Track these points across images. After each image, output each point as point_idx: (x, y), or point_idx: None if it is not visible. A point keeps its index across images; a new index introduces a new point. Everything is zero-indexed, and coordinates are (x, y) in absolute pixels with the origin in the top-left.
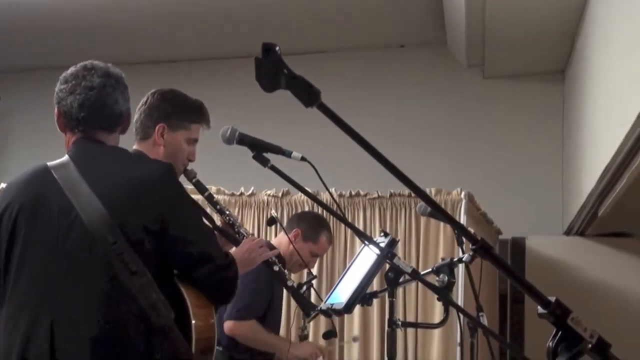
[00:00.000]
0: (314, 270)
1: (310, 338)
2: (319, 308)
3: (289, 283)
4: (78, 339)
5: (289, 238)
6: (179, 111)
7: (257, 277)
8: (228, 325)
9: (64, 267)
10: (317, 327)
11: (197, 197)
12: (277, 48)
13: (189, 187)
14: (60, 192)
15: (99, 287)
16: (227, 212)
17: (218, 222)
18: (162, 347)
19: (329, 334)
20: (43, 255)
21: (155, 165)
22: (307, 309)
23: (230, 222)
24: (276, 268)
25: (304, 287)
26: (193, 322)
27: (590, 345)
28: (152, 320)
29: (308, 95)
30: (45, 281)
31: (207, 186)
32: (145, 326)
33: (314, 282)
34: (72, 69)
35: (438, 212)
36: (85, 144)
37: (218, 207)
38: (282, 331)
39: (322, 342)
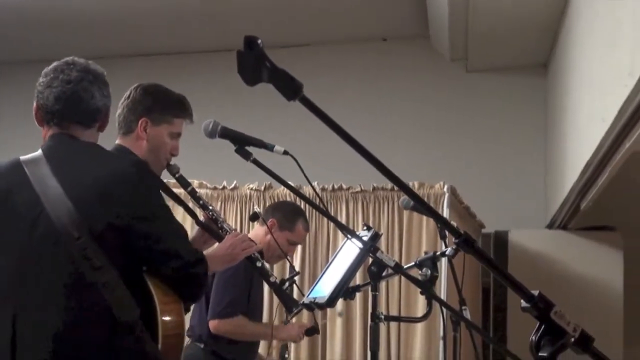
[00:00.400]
0: (297, 266)
1: None
2: (301, 303)
3: (272, 279)
4: (40, 335)
5: (268, 228)
6: (162, 105)
7: (235, 273)
8: (213, 324)
9: (29, 261)
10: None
11: (180, 191)
12: (260, 41)
13: (171, 181)
14: (29, 187)
15: (62, 282)
16: (210, 207)
17: (201, 217)
18: (127, 343)
19: (312, 331)
20: (9, 249)
21: (126, 162)
22: (290, 305)
23: (214, 217)
24: (259, 264)
25: (287, 284)
26: (160, 318)
27: (573, 339)
28: (117, 316)
29: (290, 88)
30: (10, 275)
31: (190, 180)
32: (110, 322)
33: (297, 278)
34: (54, 64)
35: (421, 205)
36: (60, 138)
37: (201, 202)
38: None
39: (304, 339)
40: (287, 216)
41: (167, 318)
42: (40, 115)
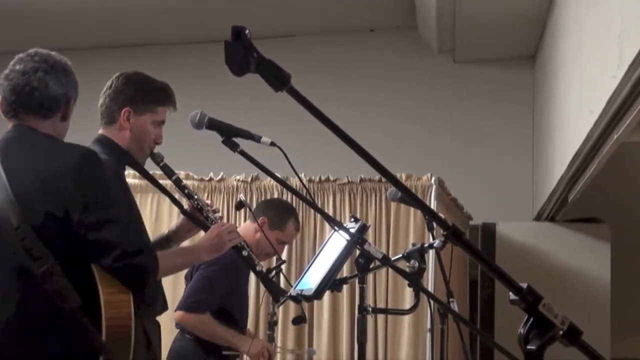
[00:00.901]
0: (283, 255)
1: (280, 324)
2: (288, 294)
3: (258, 268)
4: None
5: (258, 224)
6: (145, 94)
7: (218, 270)
8: (178, 315)
9: None
10: (286, 313)
11: (166, 182)
12: (247, 32)
13: (157, 172)
14: None
15: (5, 272)
16: (196, 197)
17: (186, 207)
18: (70, 333)
19: (299, 320)
20: None
21: (71, 152)
22: (277, 295)
23: (199, 206)
24: (245, 253)
25: (273, 272)
26: (103, 309)
27: (561, 332)
28: (59, 306)
29: (278, 79)
30: None
31: (176, 171)
32: (53, 312)
33: (283, 267)
34: (18, 56)
35: (409, 197)
36: (19, 129)
37: (186, 191)
38: (251, 317)
39: (290, 328)
40: (278, 215)
41: (111, 309)
42: (2, 107)
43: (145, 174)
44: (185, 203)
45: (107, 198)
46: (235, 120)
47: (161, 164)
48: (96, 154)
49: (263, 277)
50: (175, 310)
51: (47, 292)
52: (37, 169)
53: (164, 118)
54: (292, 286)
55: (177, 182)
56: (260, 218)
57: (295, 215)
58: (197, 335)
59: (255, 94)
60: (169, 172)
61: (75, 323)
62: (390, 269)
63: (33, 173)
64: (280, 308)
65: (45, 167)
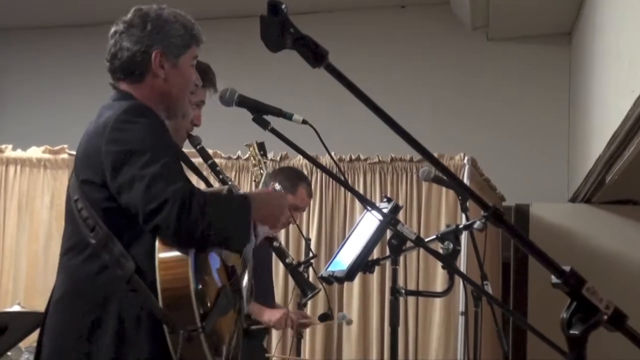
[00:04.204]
0: (313, 239)
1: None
2: (317, 290)
3: (288, 260)
4: (53, 293)
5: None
6: None
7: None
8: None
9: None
10: (314, 309)
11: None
12: (284, 6)
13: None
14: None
15: (69, 244)
16: (230, 183)
17: None
18: (128, 302)
19: (325, 317)
20: None
21: (117, 109)
22: (305, 289)
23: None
24: (276, 244)
25: (302, 266)
26: (157, 270)
27: (606, 317)
28: (118, 274)
29: (315, 55)
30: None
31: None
32: (112, 282)
33: (313, 260)
34: None
35: (448, 176)
36: (112, 95)
37: (221, 176)
38: None
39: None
40: (289, 179)
41: (165, 270)
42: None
43: (182, 156)
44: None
45: (127, 154)
46: (263, 97)
47: (198, 147)
48: (138, 105)
49: (292, 270)
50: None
51: (105, 263)
52: (88, 132)
53: (204, 99)
54: (321, 282)
55: (213, 167)
56: (271, 184)
57: (307, 180)
58: None
59: (284, 71)
60: (205, 156)
61: (132, 290)
62: (422, 251)
63: (84, 140)
64: (308, 303)
65: (92, 129)
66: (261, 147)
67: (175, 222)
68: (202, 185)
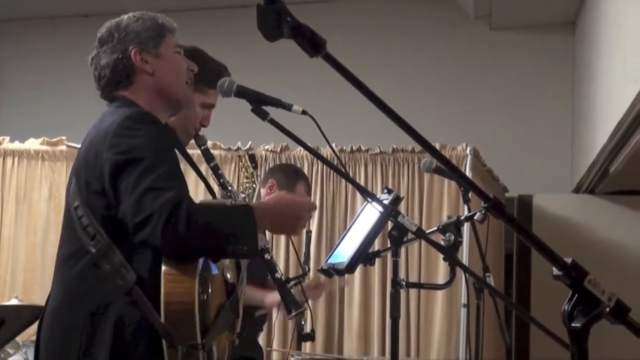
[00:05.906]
0: (314, 230)
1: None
2: (302, 309)
3: (277, 275)
4: (49, 304)
5: (267, 188)
6: (198, 74)
7: None
8: None
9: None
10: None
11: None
12: None
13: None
14: None
15: (68, 252)
16: (230, 188)
17: (219, 196)
18: (126, 314)
19: (307, 337)
20: None
21: (119, 115)
22: (290, 306)
23: (230, 197)
24: (268, 256)
25: (291, 282)
26: (162, 283)
27: (608, 309)
28: (118, 284)
29: (313, 45)
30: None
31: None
32: (111, 293)
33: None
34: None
35: (448, 167)
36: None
37: (221, 180)
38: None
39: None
40: (287, 176)
41: (170, 282)
42: None
43: (186, 156)
44: (217, 191)
45: (126, 162)
46: (262, 88)
47: (203, 148)
48: (140, 113)
49: (280, 285)
50: None
51: (105, 273)
52: (88, 140)
53: (215, 102)
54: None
55: (215, 170)
56: (269, 181)
57: (304, 177)
58: None
59: (283, 62)
60: (209, 157)
61: (131, 303)
62: (423, 242)
63: (85, 145)
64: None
65: (93, 136)
66: (252, 159)
67: (161, 237)
68: (201, 186)
